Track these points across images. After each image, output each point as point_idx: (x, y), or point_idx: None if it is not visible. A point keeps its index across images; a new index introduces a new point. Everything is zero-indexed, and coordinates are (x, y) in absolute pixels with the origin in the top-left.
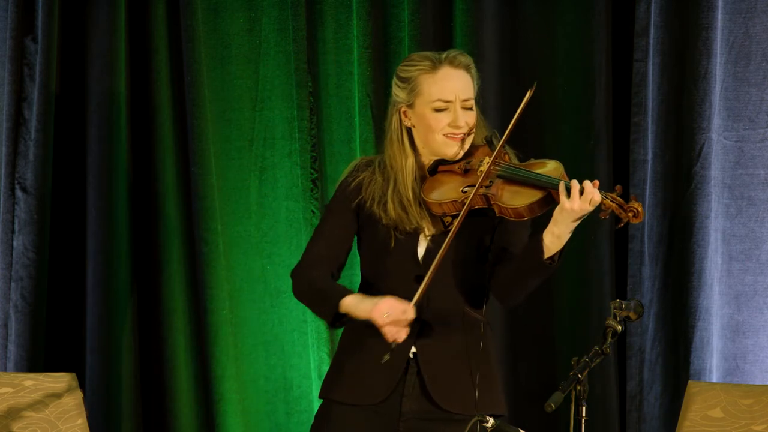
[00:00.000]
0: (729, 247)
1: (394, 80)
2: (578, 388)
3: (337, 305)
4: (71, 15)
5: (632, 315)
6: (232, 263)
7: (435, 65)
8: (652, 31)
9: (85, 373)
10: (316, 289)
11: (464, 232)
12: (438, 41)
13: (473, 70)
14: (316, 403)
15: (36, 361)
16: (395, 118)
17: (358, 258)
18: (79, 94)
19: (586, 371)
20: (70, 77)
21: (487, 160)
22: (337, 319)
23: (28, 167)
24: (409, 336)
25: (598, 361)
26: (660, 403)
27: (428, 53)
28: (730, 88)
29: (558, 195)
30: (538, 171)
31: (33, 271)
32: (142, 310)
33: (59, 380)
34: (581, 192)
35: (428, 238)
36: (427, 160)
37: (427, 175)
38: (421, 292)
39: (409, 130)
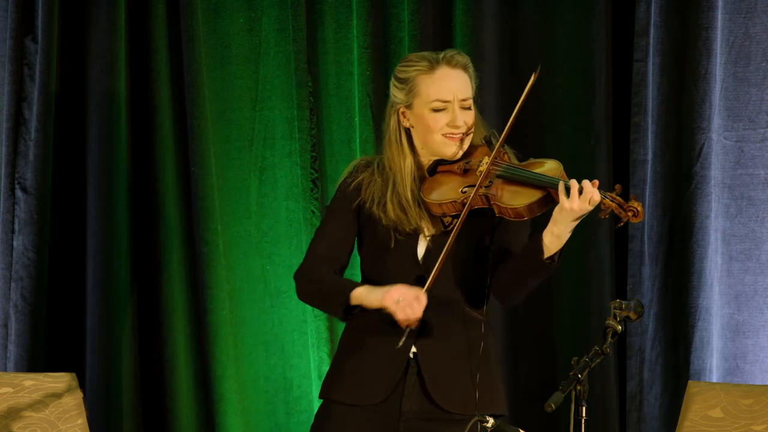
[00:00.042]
0: (729, 247)
1: (392, 81)
2: (578, 388)
3: (347, 297)
4: (71, 15)
5: (632, 315)
6: (232, 263)
7: (432, 65)
8: (652, 31)
9: (85, 373)
10: (323, 285)
11: (464, 232)
12: (438, 41)
13: (471, 70)
14: (316, 403)
15: (36, 361)
16: (393, 119)
17: (359, 258)
18: (79, 94)
19: (586, 371)
20: (70, 77)
21: (486, 160)
22: (348, 312)
23: (28, 167)
24: (410, 336)
25: (598, 361)
26: (660, 403)
27: (425, 53)
28: (730, 88)
29: (557, 195)
30: (538, 171)
31: (33, 271)
32: (142, 310)
33: (59, 380)
34: (580, 191)
35: (428, 238)
36: (426, 160)
37: (427, 175)
38: (432, 279)
39: (407, 131)
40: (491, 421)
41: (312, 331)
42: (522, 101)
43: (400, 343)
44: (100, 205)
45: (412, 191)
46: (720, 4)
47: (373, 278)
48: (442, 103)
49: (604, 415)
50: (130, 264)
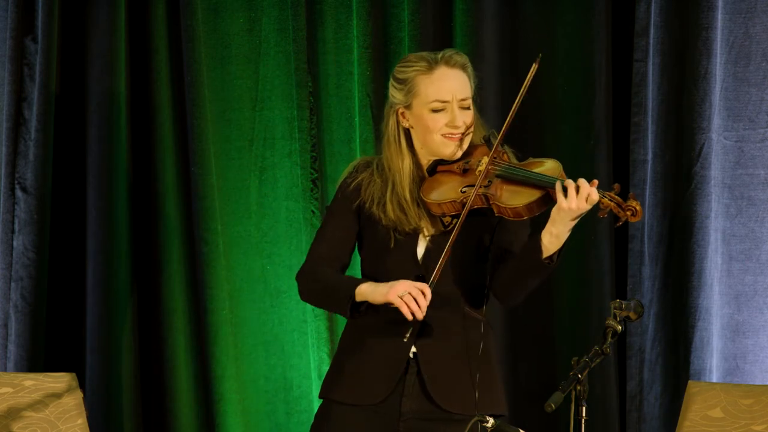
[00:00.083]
0: (729, 247)
1: (391, 81)
2: (578, 388)
3: (352, 294)
4: (71, 15)
5: (632, 315)
6: (232, 263)
7: (431, 65)
8: (652, 31)
9: (85, 373)
10: (326, 283)
11: (464, 232)
12: (438, 41)
13: (470, 69)
14: (316, 403)
15: (36, 361)
16: (392, 120)
17: (359, 258)
18: (79, 94)
19: (586, 371)
20: (70, 77)
21: (485, 159)
22: (354, 309)
23: (28, 167)
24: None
25: (598, 361)
26: (660, 403)
27: (424, 53)
28: (730, 88)
29: (556, 194)
30: (537, 170)
31: (33, 271)
32: (142, 310)
33: (59, 380)
34: (578, 190)
35: (427, 238)
36: (426, 160)
37: (426, 175)
38: (436, 275)
39: (406, 131)
40: (491, 421)
41: (312, 331)
42: (523, 92)
43: (406, 337)
44: (100, 205)
45: (410, 191)
46: (720, 4)
47: (374, 278)
48: (440, 103)
49: (604, 415)
50: (130, 264)
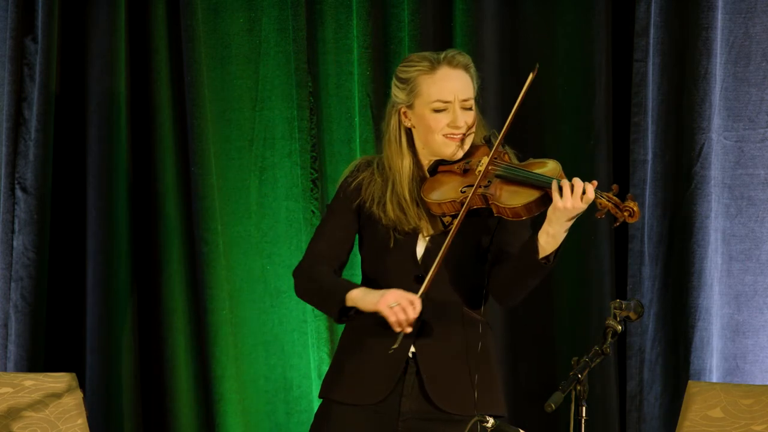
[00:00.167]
0: (729, 247)
1: (393, 81)
2: (578, 388)
3: (343, 299)
4: (71, 15)
5: (632, 315)
6: (232, 263)
7: (433, 66)
8: (652, 31)
9: (85, 373)
10: (321, 284)
11: (463, 232)
12: (438, 41)
13: (472, 70)
14: (316, 403)
15: (36, 361)
16: (394, 119)
17: (359, 257)
18: (79, 94)
19: (586, 371)
20: (70, 77)
21: (485, 160)
22: (343, 313)
23: (28, 167)
24: (408, 336)
25: (598, 361)
26: (660, 403)
27: (427, 53)
28: (730, 88)
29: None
30: (537, 171)
31: (33, 271)
32: (142, 310)
33: (59, 380)
34: (573, 189)
35: (427, 238)
36: (427, 160)
37: (427, 175)
38: (426, 285)
39: (408, 131)
40: (491, 421)
41: (312, 331)
42: (520, 101)
43: (393, 347)
44: (100, 205)
45: (410, 191)
46: (720, 4)
47: (373, 277)
48: (443, 103)
49: (604, 415)
50: (130, 264)
